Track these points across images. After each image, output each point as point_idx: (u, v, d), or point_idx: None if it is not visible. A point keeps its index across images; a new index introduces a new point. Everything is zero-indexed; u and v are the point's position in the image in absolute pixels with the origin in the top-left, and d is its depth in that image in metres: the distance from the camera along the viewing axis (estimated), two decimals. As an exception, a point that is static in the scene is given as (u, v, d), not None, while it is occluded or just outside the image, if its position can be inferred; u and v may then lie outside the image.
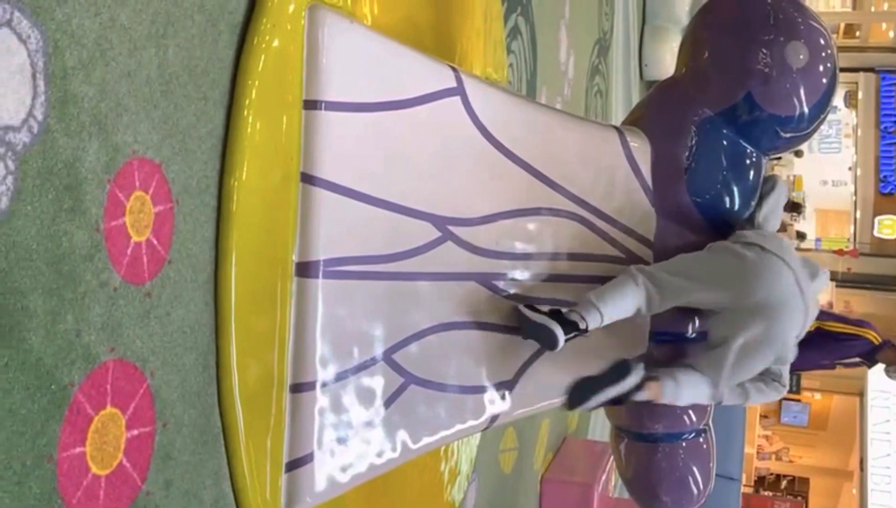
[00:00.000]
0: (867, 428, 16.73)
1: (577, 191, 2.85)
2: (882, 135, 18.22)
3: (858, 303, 17.02)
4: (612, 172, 2.93)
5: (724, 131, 2.92)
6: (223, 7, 1.90)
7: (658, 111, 3.10)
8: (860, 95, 18.39)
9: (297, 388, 2.12)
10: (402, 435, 2.42)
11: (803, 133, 2.99)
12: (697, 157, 2.92)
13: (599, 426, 6.72)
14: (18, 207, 1.40)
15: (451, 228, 2.51)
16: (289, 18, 2.03)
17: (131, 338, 1.68)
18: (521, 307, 2.69)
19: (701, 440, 3.29)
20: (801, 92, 2.85)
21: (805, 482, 20.43)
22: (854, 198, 18.55)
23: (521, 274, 2.77)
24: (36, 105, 1.42)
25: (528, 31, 4.42)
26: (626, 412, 3.33)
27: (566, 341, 2.65)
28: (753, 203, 3.01)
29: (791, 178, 19.63)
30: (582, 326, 2.68)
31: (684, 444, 3.26)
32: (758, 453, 19.74)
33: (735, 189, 2.96)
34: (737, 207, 2.97)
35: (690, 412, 3.21)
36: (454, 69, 2.52)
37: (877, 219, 17.95)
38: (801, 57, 2.81)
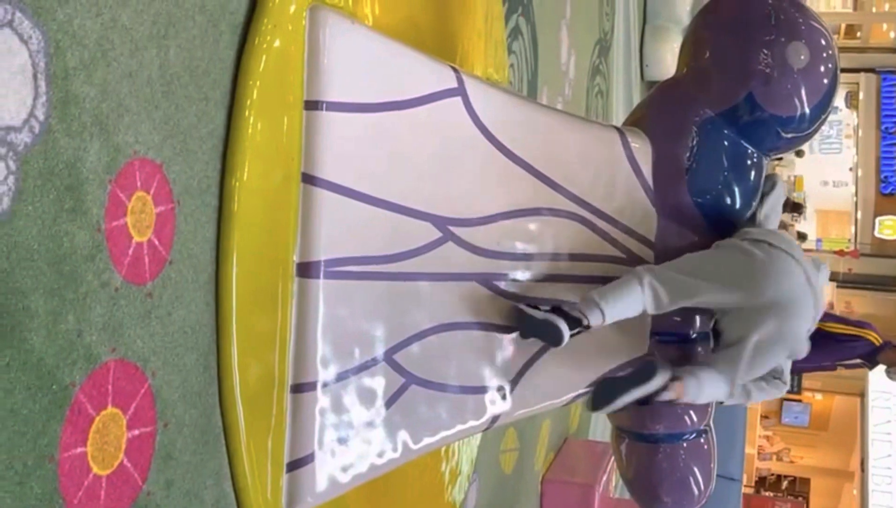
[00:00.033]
0: (868, 429, 16.73)
1: (578, 191, 2.85)
2: (883, 135, 18.22)
3: (859, 304, 17.03)
4: (613, 173, 2.93)
5: (725, 132, 2.92)
6: (224, 7, 1.90)
7: (659, 111, 3.10)
8: (861, 95, 18.39)
9: (298, 388, 2.12)
10: (403, 436, 2.43)
11: (804, 133, 2.99)
12: (698, 157, 2.92)
13: (600, 426, 6.72)
14: (20, 207, 1.40)
15: (451, 228, 2.51)
16: (290, 19, 2.03)
17: (132, 338, 1.69)
18: (523, 306, 2.69)
19: (702, 440, 3.29)
20: (802, 92, 2.85)
21: (806, 482, 20.43)
22: (855, 199, 18.56)
23: (521, 274, 2.77)
24: (37, 105, 1.42)
25: (529, 31, 4.42)
26: (627, 412, 3.33)
27: (570, 337, 2.65)
28: (755, 204, 3.01)
29: (792, 178, 19.63)
30: (585, 322, 2.68)
31: (685, 445, 3.25)
32: (759, 453, 19.74)
33: (736, 190, 2.96)
34: (738, 207, 2.97)
35: (691, 412, 3.21)
36: (455, 70, 2.52)
37: (877, 220, 17.95)
38: (802, 57, 2.81)
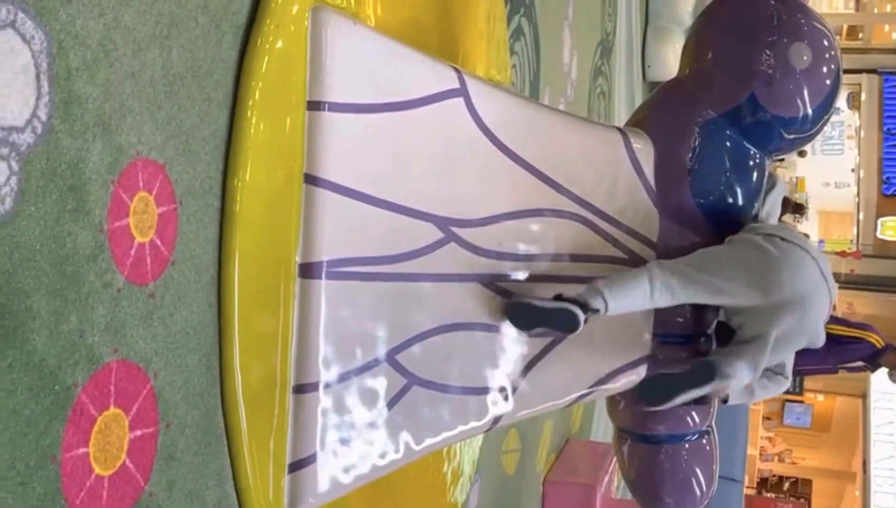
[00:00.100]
0: (870, 430, 16.72)
1: (580, 192, 2.85)
2: (885, 137, 18.19)
3: (861, 305, 17.01)
4: (615, 174, 2.93)
5: (728, 133, 2.92)
6: (227, 8, 1.90)
7: (661, 112, 3.10)
8: (863, 96, 18.37)
9: (300, 389, 2.12)
10: (405, 436, 2.42)
11: (807, 134, 2.99)
12: (701, 158, 2.92)
13: (602, 427, 6.72)
14: (22, 207, 1.40)
15: (453, 229, 2.51)
16: (292, 19, 2.03)
17: (135, 339, 1.69)
18: (528, 299, 2.67)
19: (704, 441, 3.29)
20: (805, 93, 2.85)
21: (808, 483, 20.42)
22: (857, 200, 18.53)
23: (523, 275, 2.76)
24: (40, 106, 1.42)
25: (532, 32, 4.42)
26: (629, 413, 3.33)
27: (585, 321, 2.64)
28: (757, 204, 3.01)
29: (794, 179, 19.61)
30: (594, 307, 2.66)
31: (687, 446, 3.26)
32: (761, 454, 19.73)
33: (738, 190, 2.96)
34: (740, 207, 2.97)
35: (693, 413, 3.21)
36: (457, 70, 2.52)
37: (880, 221, 17.92)
38: (805, 58, 2.80)
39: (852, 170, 19.02)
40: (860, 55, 18.32)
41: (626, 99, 7.62)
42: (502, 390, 2.72)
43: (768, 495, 19.21)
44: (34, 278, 1.43)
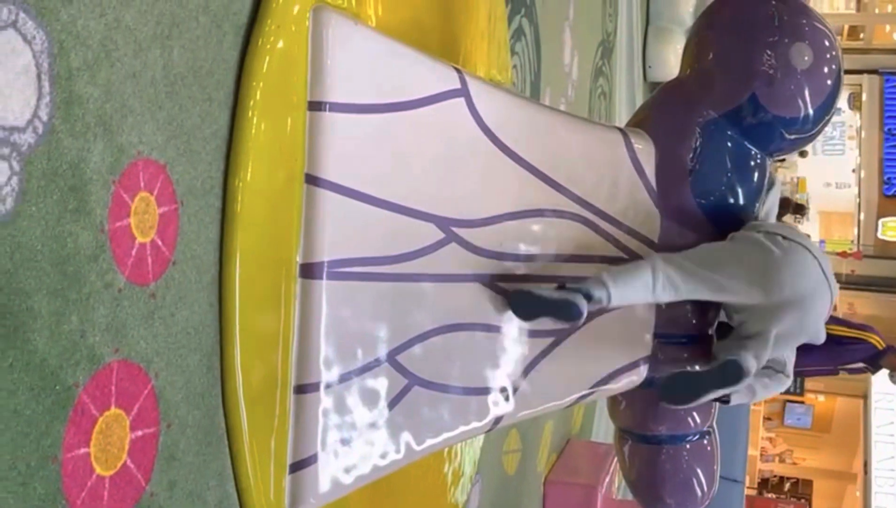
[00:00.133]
0: (871, 431, 16.71)
1: (581, 192, 2.85)
2: (886, 137, 18.19)
3: (862, 305, 17.00)
4: (616, 174, 2.93)
5: (729, 133, 2.92)
6: (228, 8, 1.90)
7: (662, 113, 3.10)
8: (864, 97, 18.36)
9: (301, 389, 2.11)
10: (406, 437, 2.42)
11: (808, 134, 2.99)
12: (702, 158, 2.92)
13: (603, 427, 6.72)
14: (23, 207, 1.40)
15: (454, 229, 2.51)
16: (293, 20, 2.03)
17: (136, 339, 1.69)
18: (530, 289, 2.66)
19: (705, 441, 3.29)
20: (806, 93, 2.85)
21: (808, 484, 20.41)
22: (858, 200, 18.52)
23: (524, 275, 2.76)
24: (41, 106, 1.42)
25: (532, 32, 4.42)
26: (630, 413, 3.33)
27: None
28: (758, 204, 3.01)
29: (795, 180, 19.61)
30: (596, 297, 2.66)
31: (688, 446, 3.25)
32: (761, 455, 19.72)
33: (739, 191, 2.96)
34: (741, 208, 2.96)
35: (695, 413, 3.21)
36: (458, 70, 2.52)
37: (881, 221, 17.92)
38: (806, 58, 2.80)
39: (853, 170, 19.01)
40: (861, 56, 18.31)
41: (626, 99, 7.62)
42: (503, 390, 2.72)
43: (769, 495, 19.20)
44: (35, 279, 1.43)
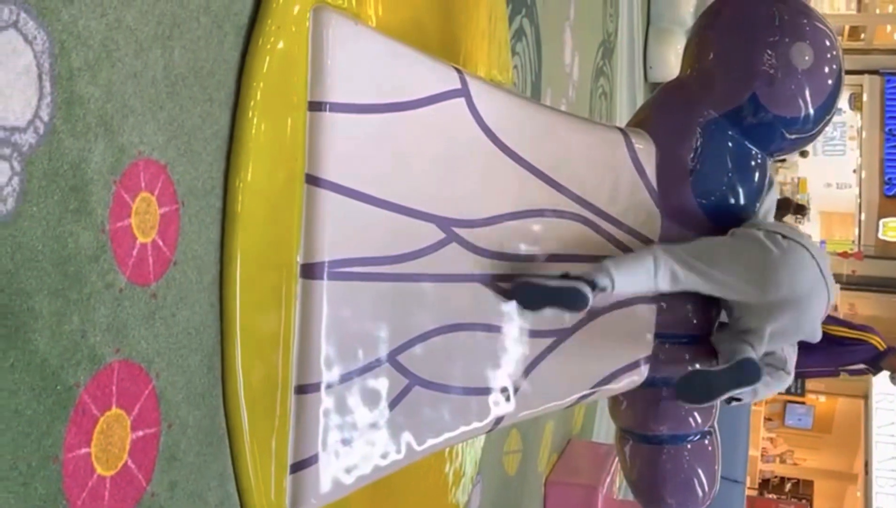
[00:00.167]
0: (872, 431, 16.71)
1: (582, 192, 2.85)
2: (887, 137, 18.19)
3: (863, 306, 17.01)
4: (617, 174, 2.93)
5: (729, 133, 2.92)
6: (229, 9, 1.90)
7: (663, 113, 3.09)
8: (865, 97, 18.37)
9: (301, 389, 2.12)
10: (407, 437, 2.42)
11: (808, 134, 2.99)
12: (702, 158, 2.92)
13: (604, 427, 6.72)
14: (24, 208, 1.40)
15: (455, 229, 2.51)
16: (294, 20, 2.03)
17: (137, 339, 1.69)
18: (534, 279, 2.65)
19: (706, 442, 3.28)
20: (807, 93, 2.85)
21: (809, 484, 20.40)
22: (859, 200, 18.52)
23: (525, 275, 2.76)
24: (42, 106, 1.42)
25: (533, 32, 4.42)
26: (631, 413, 3.33)
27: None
28: (758, 204, 3.01)
29: (795, 180, 19.61)
30: (600, 285, 2.66)
31: (689, 446, 3.25)
32: (762, 455, 19.71)
33: (740, 191, 2.95)
34: (742, 208, 2.96)
35: (696, 413, 3.21)
36: (459, 71, 2.52)
37: (881, 221, 17.92)
38: (807, 58, 2.80)
39: (854, 171, 19.02)
40: (862, 56, 18.32)
41: (627, 100, 7.62)
42: (504, 390, 2.72)
43: (770, 496, 19.19)
44: (36, 279, 1.43)
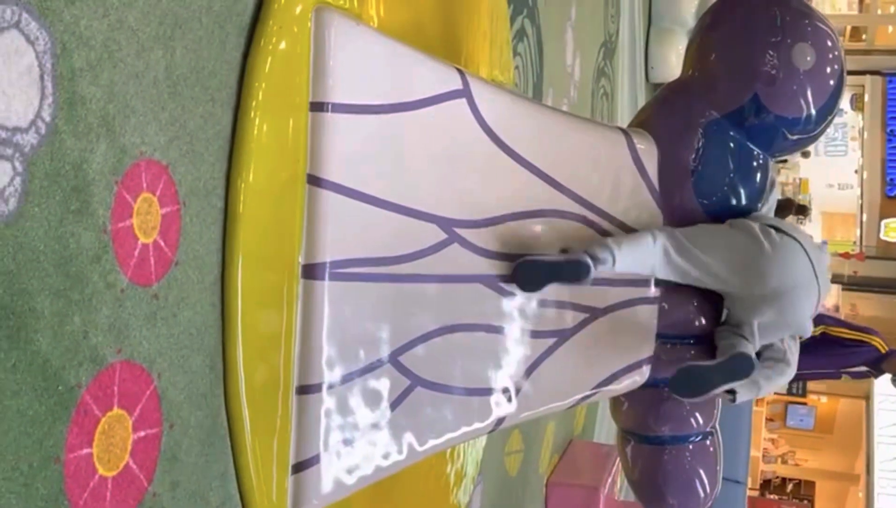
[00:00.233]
0: (873, 432, 16.70)
1: (583, 193, 2.85)
2: (888, 138, 18.18)
3: (865, 306, 16.99)
4: (618, 174, 2.93)
5: (731, 133, 2.92)
6: (231, 9, 1.90)
7: (664, 113, 3.10)
8: (866, 97, 18.35)
9: (303, 390, 2.12)
10: (408, 437, 2.42)
11: (810, 135, 2.99)
12: (704, 159, 2.92)
13: (605, 428, 6.71)
14: (26, 208, 1.40)
15: (457, 230, 2.51)
16: (295, 20, 2.03)
17: (138, 339, 1.69)
18: (535, 256, 2.65)
19: (707, 442, 3.28)
20: (808, 94, 2.85)
21: (811, 485, 20.37)
22: (860, 201, 18.51)
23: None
24: (43, 106, 1.42)
25: (535, 33, 4.42)
26: (632, 414, 3.33)
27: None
28: (760, 205, 3.01)
29: (797, 181, 19.60)
30: (600, 258, 2.68)
31: (691, 447, 3.25)
32: (763, 456, 19.69)
33: (742, 191, 2.96)
34: (743, 208, 2.96)
35: (697, 414, 3.21)
36: (460, 71, 2.52)
37: (883, 222, 17.91)
38: (808, 59, 2.80)
39: (856, 171, 19.00)
40: (863, 57, 18.31)
41: (629, 100, 7.62)
42: (505, 391, 2.72)
43: (771, 497, 19.17)
44: (38, 279, 1.43)
